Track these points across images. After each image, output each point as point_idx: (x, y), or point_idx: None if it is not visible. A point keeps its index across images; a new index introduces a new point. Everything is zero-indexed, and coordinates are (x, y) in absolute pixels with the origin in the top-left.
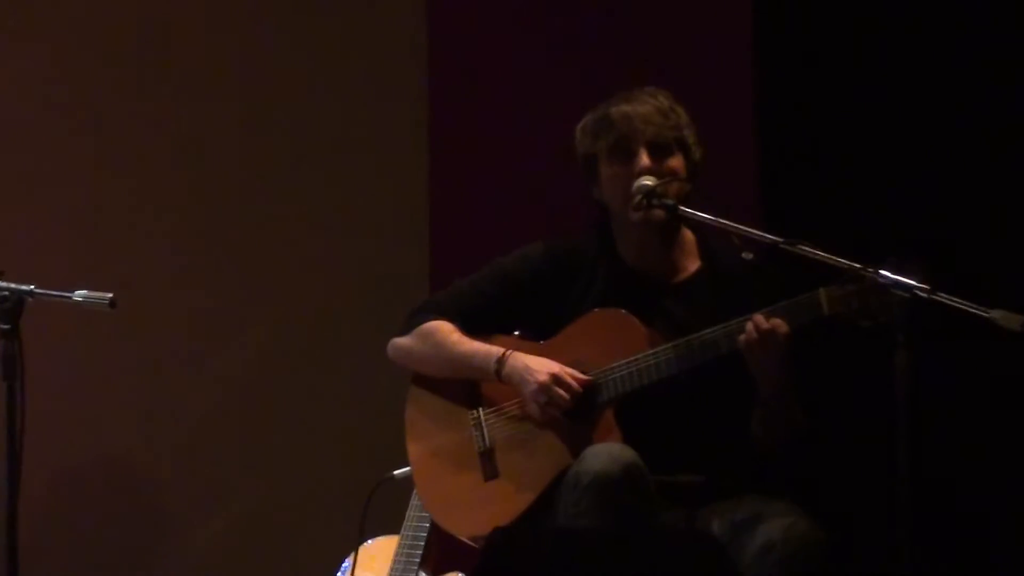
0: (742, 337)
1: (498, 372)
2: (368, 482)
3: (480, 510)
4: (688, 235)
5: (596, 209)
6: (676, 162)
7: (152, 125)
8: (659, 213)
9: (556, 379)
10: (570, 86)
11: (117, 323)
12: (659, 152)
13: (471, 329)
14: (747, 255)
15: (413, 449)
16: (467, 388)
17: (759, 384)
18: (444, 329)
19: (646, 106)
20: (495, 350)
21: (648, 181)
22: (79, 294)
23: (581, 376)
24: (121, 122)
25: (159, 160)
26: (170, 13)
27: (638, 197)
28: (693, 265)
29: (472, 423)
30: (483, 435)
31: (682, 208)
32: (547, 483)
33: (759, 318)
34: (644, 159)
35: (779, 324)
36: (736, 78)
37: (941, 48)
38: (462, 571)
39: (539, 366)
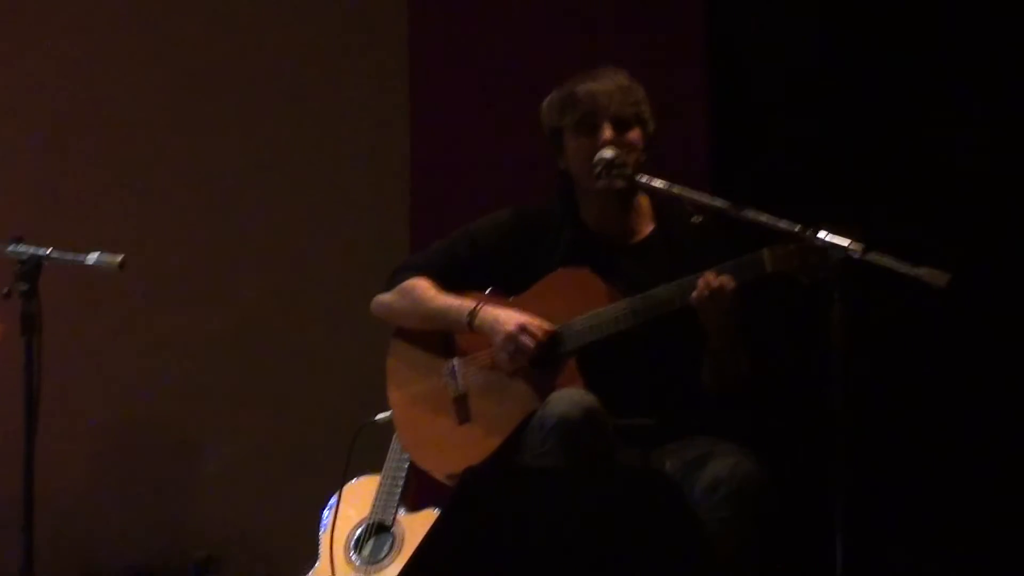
0: (694, 293)
1: (470, 324)
2: (353, 426)
3: (454, 451)
4: (644, 201)
5: (560, 178)
6: (635, 135)
7: (156, 106)
8: (618, 181)
9: (523, 328)
10: (541, 68)
11: (124, 284)
12: (620, 126)
13: (447, 286)
14: (696, 219)
15: (394, 396)
16: (443, 340)
17: (708, 335)
18: (422, 285)
19: (608, 83)
20: (468, 303)
21: (608, 153)
22: (91, 257)
23: (546, 326)
24: (128, 102)
25: (164, 140)
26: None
27: (599, 167)
28: (648, 228)
29: (447, 371)
30: (457, 382)
31: (639, 177)
32: (515, 426)
33: (709, 275)
34: (607, 132)
35: (726, 280)
36: (689, 54)
37: (882, 19)
38: (437, 507)
39: (507, 317)
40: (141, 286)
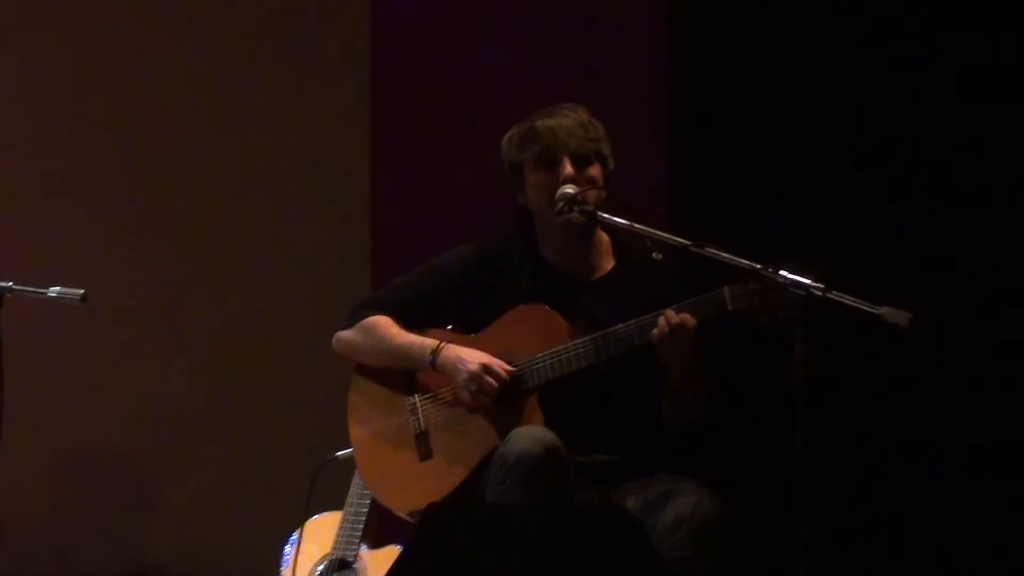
0: (654, 331)
1: (433, 362)
2: (314, 462)
3: (416, 487)
4: (604, 237)
5: (520, 213)
6: (595, 171)
7: (108, 122)
8: (578, 217)
9: (486, 368)
10: (504, 102)
11: (86, 317)
12: (580, 162)
13: (408, 323)
14: (657, 255)
15: (355, 432)
16: (405, 376)
17: (669, 371)
18: (384, 323)
19: (568, 120)
20: (430, 342)
21: (570, 189)
22: (53, 290)
23: (508, 367)
24: (81, 121)
25: (116, 159)
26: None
27: (560, 203)
28: (608, 264)
29: (409, 408)
30: (419, 419)
31: (600, 213)
32: (477, 462)
33: (669, 313)
34: (567, 168)
35: (687, 318)
36: (652, 93)
37: (841, 60)
38: (399, 544)
39: (471, 356)
40: (105, 318)
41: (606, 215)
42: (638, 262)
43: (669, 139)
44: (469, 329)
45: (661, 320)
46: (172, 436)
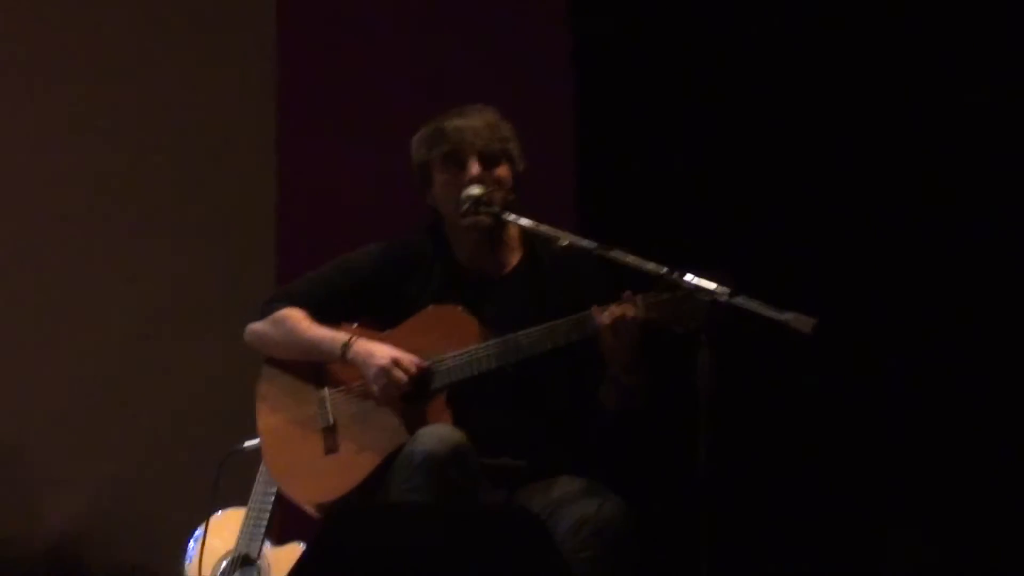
0: (598, 321)
1: (344, 356)
2: (220, 453)
3: (320, 479)
4: (513, 233)
5: (429, 213)
6: (503, 171)
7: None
8: (485, 219)
9: (395, 362)
10: (410, 102)
11: None
12: (488, 162)
13: (319, 318)
14: (564, 243)
15: (263, 423)
16: (315, 369)
17: (610, 364)
18: (295, 316)
19: (476, 120)
20: (341, 335)
21: (475, 190)
22: None
23: (418, 361)
24: None
25: (17, 144)
26: None
27: (466, 204)
28: (516, 257)
29: (318, 401)
30: (327, 412)
31: (506, 214)
32: (383, 458)
33: (612, 308)
34: (474, 168)
35: (628, 310)
36: (558, 93)
37: (751, 68)
38: (302, 542)
39: (381, 351)
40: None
41: (512, 216)
42: (546, 254)
43: (576, 141)
44: (380, 327)
45: (600, 317)
46: (74, 430)
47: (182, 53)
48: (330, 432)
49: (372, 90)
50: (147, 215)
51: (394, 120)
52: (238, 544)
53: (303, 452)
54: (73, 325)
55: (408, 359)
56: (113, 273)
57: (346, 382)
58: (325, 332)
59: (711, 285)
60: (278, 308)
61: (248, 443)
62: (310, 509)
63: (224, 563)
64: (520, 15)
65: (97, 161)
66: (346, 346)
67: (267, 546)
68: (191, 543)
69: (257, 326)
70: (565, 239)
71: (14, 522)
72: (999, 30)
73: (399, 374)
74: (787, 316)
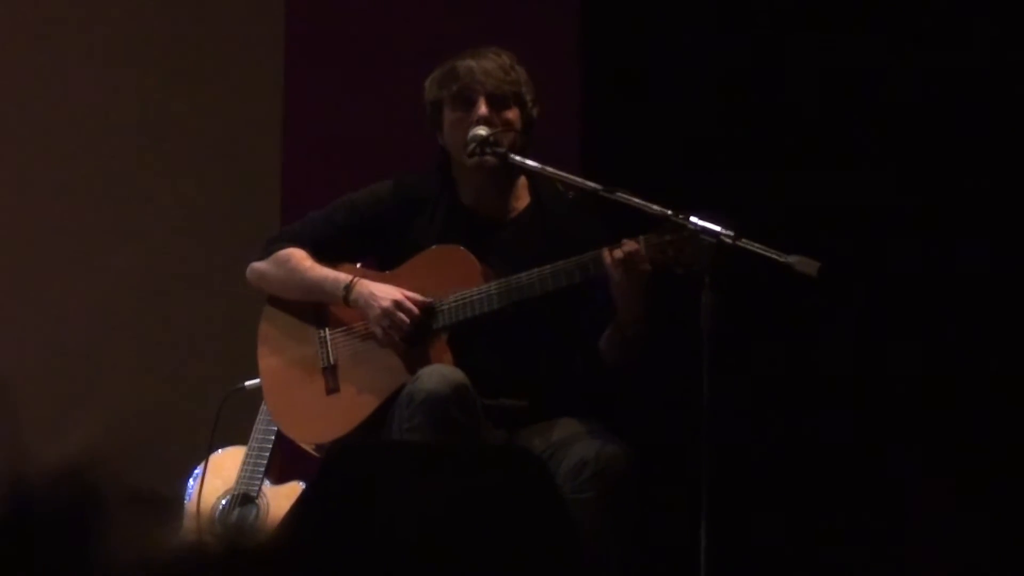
0: (606, 261)
1: (346, 297)
2: (220, 393)
3: (321, 420)
4: (521, 181)
5: (439, 153)
6: (512, 114)
7: (11, 56)
8: (490, 160)
9: (398, 304)
10: (419, 38)
11: None
12: (497, 103)
13: (321, 257)
14: (571, 194)
15: (264, 363)
16: (317, 309)
17: (621, 313)
18: (297, 256)
19: (489, 62)
20: (344, 277)
21: (482, 131)
22: None
23: (420, 299)
24: None
25: (15, 92)
26: None
27: (472, 145)
28: (522, 203)
29: (319, 341)
30: (327, 352)
31: (512, 156)
32: (384, 398)
33: (617, 250)
34: (482, 108)
35: (631, 245)
36: (563, 35)
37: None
38: (302, 480)
39: (383, 292)
40: (5, 247)
41: (517, 157)
42: (553, 202)
43: (582, 84)
44: (382, 267)
45: (607, 258)
46: (73, 368)
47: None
48: (331, 372)
49: (379, 28)
50: (150, 154)
51: (401, 59)
52: (238, 482)
53: (303, 393)
54: (76, 264)
55: (411, 300)
56: (117, 212)
57: (347, 322)
58: (327, 272)
59: (716, 227)
60: (281, 247)
61: (249, 383)
62: (310, 449)
63: (223, 501)
64: None
65: (100, 101)
66: (348, 287)
67: (267, 484)
68: (190, 481)
69: (259, 265)
70: (571, 191)
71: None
72: None
73: (402, 316)
74: (792, 259)
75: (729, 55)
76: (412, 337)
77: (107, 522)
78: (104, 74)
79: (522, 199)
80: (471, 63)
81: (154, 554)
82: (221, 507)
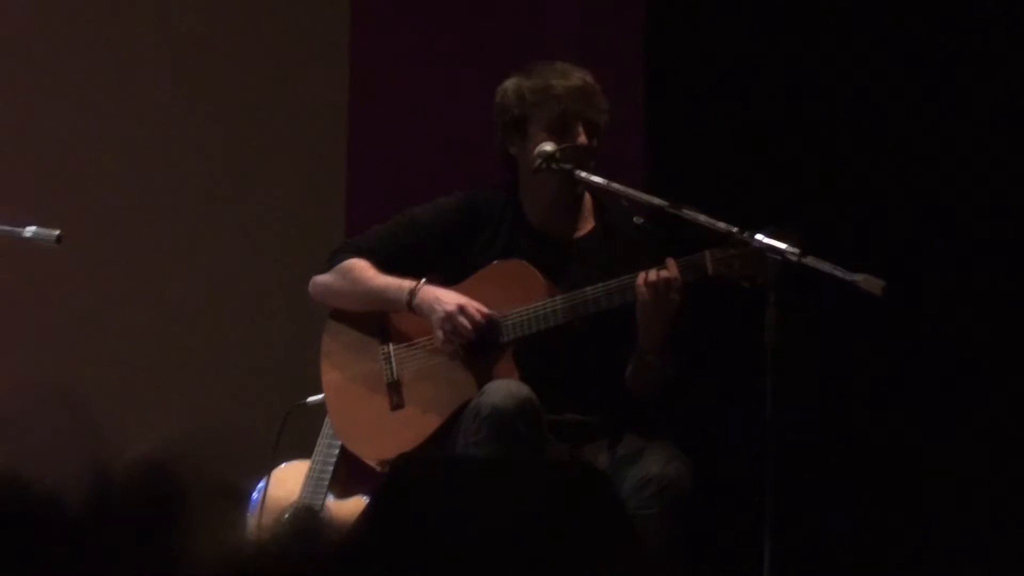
0: (639, 281)
1: (410, 303)
2: (284, 407)
3: (386, 436)
4: (587, 203)
5: (508, 167)
6: (596, 143)
7: (92, 70)
8: (556, 176)
9: (462, 309)
10: (482, 55)
11: (59, 258)
12: (592, 131)
13: (384, 271)
14: (638, 220)
15: (327, 378)
16: (381, 323)
17: (641, 337)
18: (361, 265)
19: (587, 85)
20: (408, 283)
21: (548, 146)
22: (29, 230)
23: (484, 310)
24: (68, 70)
25: (98, 106)
26: None
27: (539, 160)
28: (589, 225)
29: (383, 356)
30: (391, 368)
31: (577, 172)
32: (450, 413)
33: (651, 272)
34: (582, 137)
35: (673, 276)
36: (628, 48)
37: (819, 25)
38: (365, 495)
39: (448, 297)
40: (74, 263)
41: (583, 173)
42: (619, 225)
43: (645, 101)
44: (445, 281)
45: (651, 275)
46: (141, 381)
47: (253, 9)
48: (395, 388)
49: (439, 45)
50: (216, 173)
51: (461, 76)
52: (301, 496)
53: (368, 408)
54: (143, 281)
55: (474, 307)
56: (182, 231)
57: (411, 337)
58: (391, 280)
59: (781, 244)
60: (344, 258)
61: (312, 398)
62: (374, 465)
63: (286, 516)
64: None
65: (170, 125)
66: (412, 292)
67: (330, 499)
68: (254, 495)
69: (322, 277)
70: (639, 218)
71: (79, 475)
72: None
73: (465, 321)
74: (857, 277)
75: (795, 72)
76: (474, 348)
77: (189, 516)
78: (175, 99)
79: (588, 221)
80: (568, 83)
81: (234, 548)
82: (284, 521)
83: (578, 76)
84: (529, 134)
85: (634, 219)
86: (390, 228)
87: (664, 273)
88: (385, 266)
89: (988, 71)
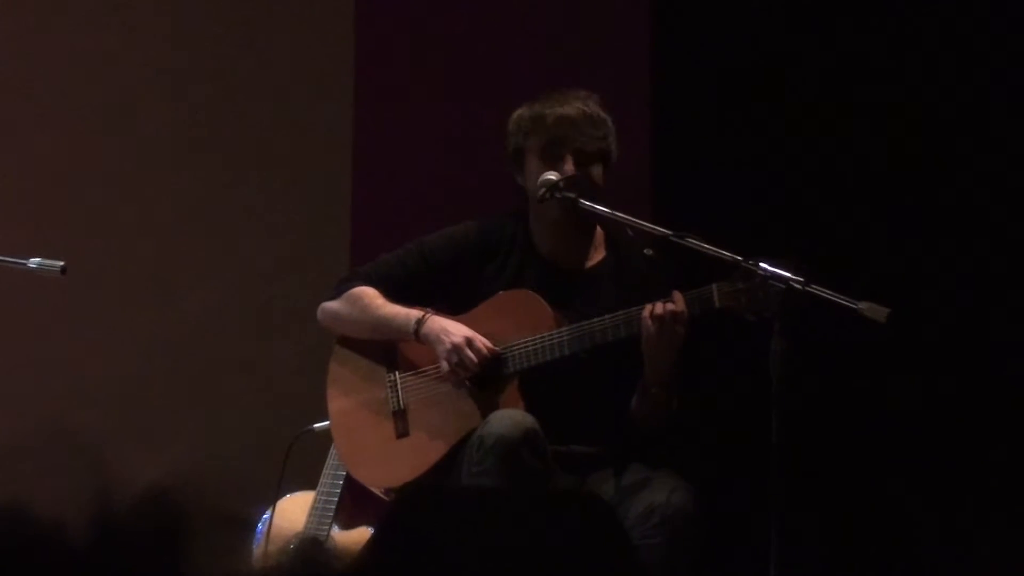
0: (644, 314)
1: (416, 332)
2: (289, 435)
3: (390, 464)
4: (598, 234)
5: (518, 197)
6: (597, 171)
7: (93, 96)
8: (559, 206)
9: (468, 342)
10: (494, 76)
11: (63, 290)
12: (584, 160)
13: (392, 299)
14: (648, 251)
15: (333, 404)
16: (387, 351)
17: (647, 370)
18: (369, 294)
19: (580, 113)
20: (415, 312)
21: (552, 176)
22: (33, 261)
23: (490, 345)
24: (66, 94)
25: (98, 133)
26: None
27: (542, 189)
28: (599, 256)
29: (389, 384)
30: (397, 396)
31: (581, 201)
32: (455, 442)
33: (657, 304)
34: (568, 165)
35: (678, 309)
36: (634, 77)
37: (824, 52)
38: (370, 526)
39: (455, 329)
40: (76, 292)
41: (587, 203)
42: (629, 257)
43: (651, 130)
44: (453, 311)
45: (656, 308)
46: (144, 410)
47: (259, 20)
48: (400, 416)
49: (448, 67)
50: (224, 197)
51: (470, 97)
52: (306, 527)
53: (373, 436)
54: (146, 307)
55: (481, 341)
56: (187, 255)
57: (418, 365)
58: (399, 309)
59: (786, 273)
60: (352, 286)
61: (318, 425)
62: (379, 493)
63: (291, 546)
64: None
65: (177, 147)
66: (420, 321)
67: (335, 530)
68: (258, 526)
69: (330, 304)
70: (649, 250)
71: (86, 503)
72: None
73: (471, 354)
74: (861, 305)
75: (800, 101)
76: (482, 380)
77: (193, 547)
78: (179, 119)
79: (599, 251)
80: (560, 112)
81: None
82: (289, 551)
83: (576, 104)
84: (527, 163)
85: (644, 251)
86: (399, 256)
87: (670, 306)
88: (394, 294)
89: (993, 101)
